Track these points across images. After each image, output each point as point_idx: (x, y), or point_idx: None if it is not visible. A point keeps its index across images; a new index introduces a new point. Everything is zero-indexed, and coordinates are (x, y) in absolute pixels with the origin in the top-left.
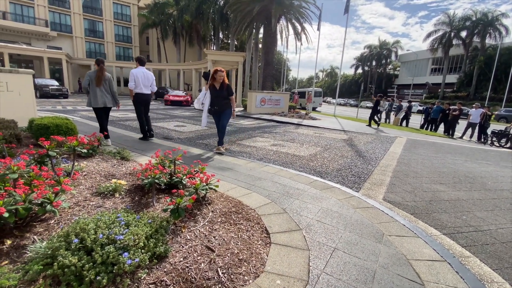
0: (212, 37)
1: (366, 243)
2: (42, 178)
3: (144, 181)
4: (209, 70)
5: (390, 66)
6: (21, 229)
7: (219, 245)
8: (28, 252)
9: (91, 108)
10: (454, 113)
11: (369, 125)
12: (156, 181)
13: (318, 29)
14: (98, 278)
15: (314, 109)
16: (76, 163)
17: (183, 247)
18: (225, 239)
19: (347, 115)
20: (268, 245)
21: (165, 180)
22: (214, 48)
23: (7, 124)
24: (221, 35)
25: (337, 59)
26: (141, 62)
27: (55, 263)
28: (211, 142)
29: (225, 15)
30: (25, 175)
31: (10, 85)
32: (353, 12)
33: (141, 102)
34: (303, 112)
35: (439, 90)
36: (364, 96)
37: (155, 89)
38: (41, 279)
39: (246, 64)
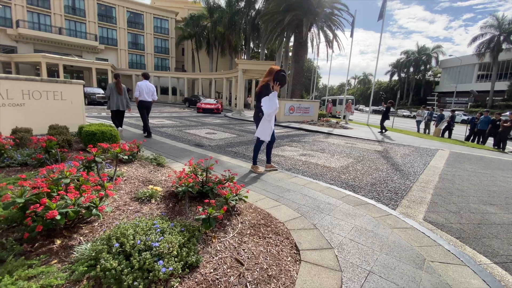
0: (243, 46)
1: (405, 268)
2: (89, 183)
3: (178, 189)
4: (282, 69)
5: (429, 73)
6: (69, 230)
7: (248, 258)
8: (74, 252)
9: (130, 115)
10: (505, 124)
11: (381, 131)
12: (190, 189)
13: (351, 36)
14: (135, 283)
15: (344, 117)
16: (117, 168)
17: (213, 258)
18: (254, 253)
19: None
20: (297, 262)
21: (197, 189)
22: (245, 57)
23: (60, 130)
24: (251, 45)
25: (370, 66)
26: (145, 76)
27: (98, 266)
28: (240, 150)
29: (256, 25)
30: (75, 179)
31: (64, 95)
32: (388, 17)
33: (143, 107)
34: (333, 120)
35: (487, 98)
36: (400, 104)
37: (156, 98)
38: (85, 280)
39: None
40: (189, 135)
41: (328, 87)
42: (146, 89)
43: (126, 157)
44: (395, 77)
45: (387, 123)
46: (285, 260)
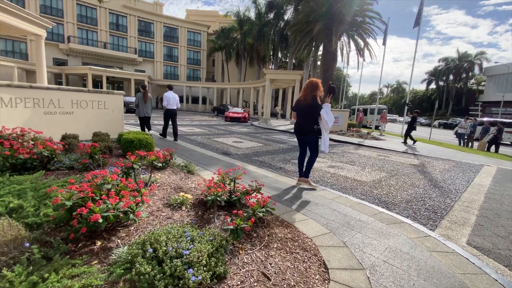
0: (271, 56)
1: None
2: (128, 189)
3: (208, 197)
4: (331, 82)
5: (472, 81)
6: (108, 232)
7: (275, 273)
8: (112, 255)
9: (163, 123)
10: None
11: (405, 142)
12: (218, 198)
13: (384, 44)
14: None
15: (377, 127)
16: (152, 175)
17: (240, 270)
18: (281, 268)
19: (417, 135)
20: (326, 281)
21: (225, 198)
22: (273, 67)
23: (102, 137)
24: (279, 55)
25: (405, 74)
26: (170, 87)
27: (133, 269)
28: (266, 159)
29: (285, 36)
30: (116, 185)
31: (107, 104)
32: (425, 22)
33: (170, 114)
34: (364, 131)
35: None
36: (438, 114)
37: (179, 105)
38: (121, 283)
39: (303, 81)
40: (217, 143)
41: (358, 96)
42: (172, 99)
43: (160, 164)
44: (432, 86)
45: (415, 135)
46: (313, 278)
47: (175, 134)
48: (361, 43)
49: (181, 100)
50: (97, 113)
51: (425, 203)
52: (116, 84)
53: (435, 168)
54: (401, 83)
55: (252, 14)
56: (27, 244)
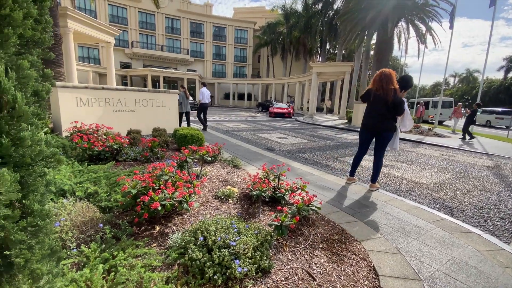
0: (319, 49)
1: None
2: (182, 180)
3: (253, 192)
4: (409, 75)
5: None
6: (165, 219)
7: (320, 274)
8: (168, 239)
9: (212, 119)
10: None
11: (464, 137)
12: (263, 194)
13: (451, 27)
14: (215, 277)
15: (441, 123)
16: (202, 168)
17: (284, 266)
18: (327, 269)
19: (492, 132)
20: None
21: (269, 194)
22: (320, 60)
23: (161, 132)
24: (328, 46)
25: (477, 61)
26: (204, 84)
27: (186, 255)
28: (311, 156)
29: (334, 26)
30: (172, 176)
31: (164, 102)
32: (502, 1)
33: (204, 107)
34: (425, 127)
35: None
36: None
37: (210, 100)
38: (176, 266)
39: (354, 73)
40: (262, 139)
41: (418, 88)
42: (206, 94)
43: (210, 158)
44: None
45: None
46: (361, 283)
47: (205, 124)
48: (423, 28)
49: (227, 97)
50: (156, 111)
51: (499, 211)
52: (171, 83)
53: None
54: (472, 72)
55: (299, 6)
56: (101, 225)
